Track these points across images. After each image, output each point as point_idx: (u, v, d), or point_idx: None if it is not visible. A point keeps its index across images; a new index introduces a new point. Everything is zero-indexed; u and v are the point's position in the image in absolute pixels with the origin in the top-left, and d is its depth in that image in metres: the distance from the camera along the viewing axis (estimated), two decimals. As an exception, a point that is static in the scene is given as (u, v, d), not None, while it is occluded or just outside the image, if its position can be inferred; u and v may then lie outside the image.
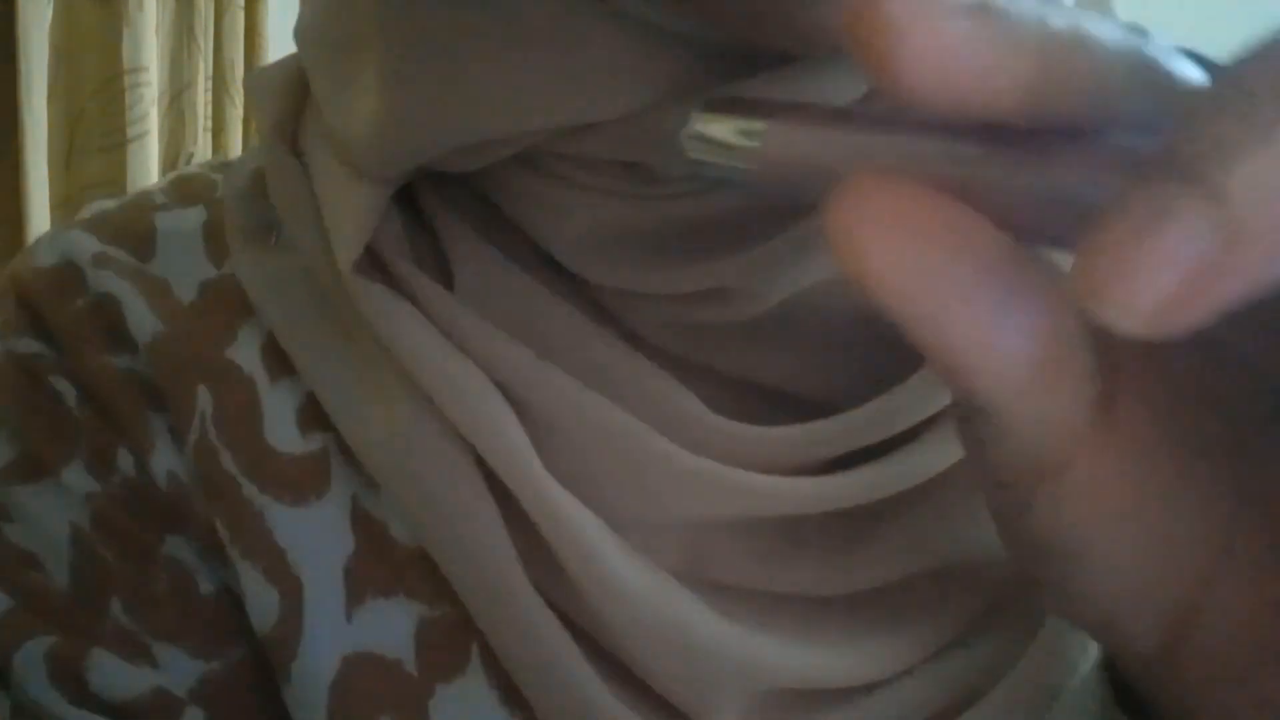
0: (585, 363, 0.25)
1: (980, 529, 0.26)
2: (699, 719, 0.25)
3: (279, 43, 1.37)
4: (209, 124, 1.23)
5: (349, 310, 0.26)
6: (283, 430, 0.27)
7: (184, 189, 0.31)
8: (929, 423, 0.26)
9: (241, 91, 1.27)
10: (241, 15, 1.26)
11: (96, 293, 0.28)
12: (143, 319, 0.28)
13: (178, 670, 0.26)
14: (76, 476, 0.27)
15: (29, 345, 0.28)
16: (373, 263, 0.26)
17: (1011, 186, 0.14)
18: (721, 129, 0.16)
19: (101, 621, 0.26)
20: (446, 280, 0.27)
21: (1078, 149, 0.13)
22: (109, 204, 0.31)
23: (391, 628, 0.26)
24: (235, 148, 1.27)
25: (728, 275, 0.24)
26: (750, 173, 0.16)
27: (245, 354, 0.28)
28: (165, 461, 0.27)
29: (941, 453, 0.25)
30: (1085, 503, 0.15)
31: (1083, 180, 0.13)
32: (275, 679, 0.26)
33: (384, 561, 0.26)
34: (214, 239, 0.30)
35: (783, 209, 0.24)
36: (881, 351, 0.25)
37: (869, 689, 0.26)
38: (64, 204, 1.08)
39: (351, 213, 0.25)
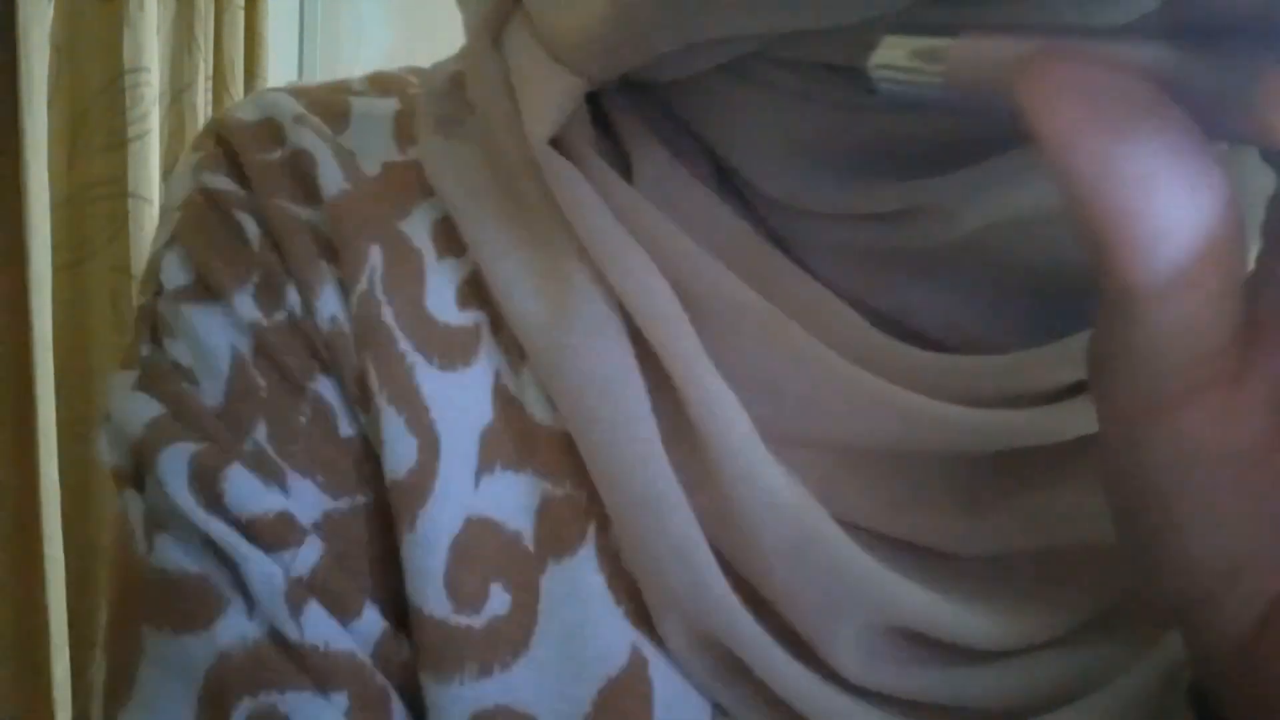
0: (754, 273, 0.25)
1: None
2: (815, 643, 0.24)
3: (279, 43, 1.37)
4: (209, 124, 1.24)
5: (532, 192, 0.27)
6: (441, 302, 0.28)
7: (381, 82, 0.33)
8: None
9: (242, 91, 1.27)
10: (241, 15, 1.26)
11: (294, 146, 0.29)
12: (333, 176, 0.29)
13: (305, 501, 0.27)
14: (245, 304, 0.27)
15: (223, 183, 0.29)
16: (559, 152, 0.26)
17: (1193, 85, 0.14)
18: (905, 53, 0.16)
19: (243, 441, 0.27)
20: (628, 178, 0.27)
21: (1258, 51, 0.14)
22: (308, 84, 0.32)
23: (516, 500, 0.26)
24: (235, 148, 1.28)
25: (929, 194, 0.23)
26: (940, 91, 0.16)
27: (417, 229, 0.28)
28: (330, 306, 0.27)
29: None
30: (1207, 440, 0.16)
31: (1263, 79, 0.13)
32: (395, 531, 0.26)
33: (518, 436, 0.27)
34: (403, 126, 0.31)
35: (986, 137, 0.23)
36: (1050, 307, 0.25)
37: (990, 656, 0.25)
38: (65, 203, 1.08)
39: (548, 96, 0.26)
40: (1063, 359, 0.24)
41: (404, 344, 0.27)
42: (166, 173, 1.18)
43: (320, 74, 1.52)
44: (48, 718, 1.05)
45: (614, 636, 0.25)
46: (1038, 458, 0.25)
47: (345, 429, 0.27)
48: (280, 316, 0.28)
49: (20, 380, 1.01)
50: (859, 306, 0.25)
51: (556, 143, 0.26)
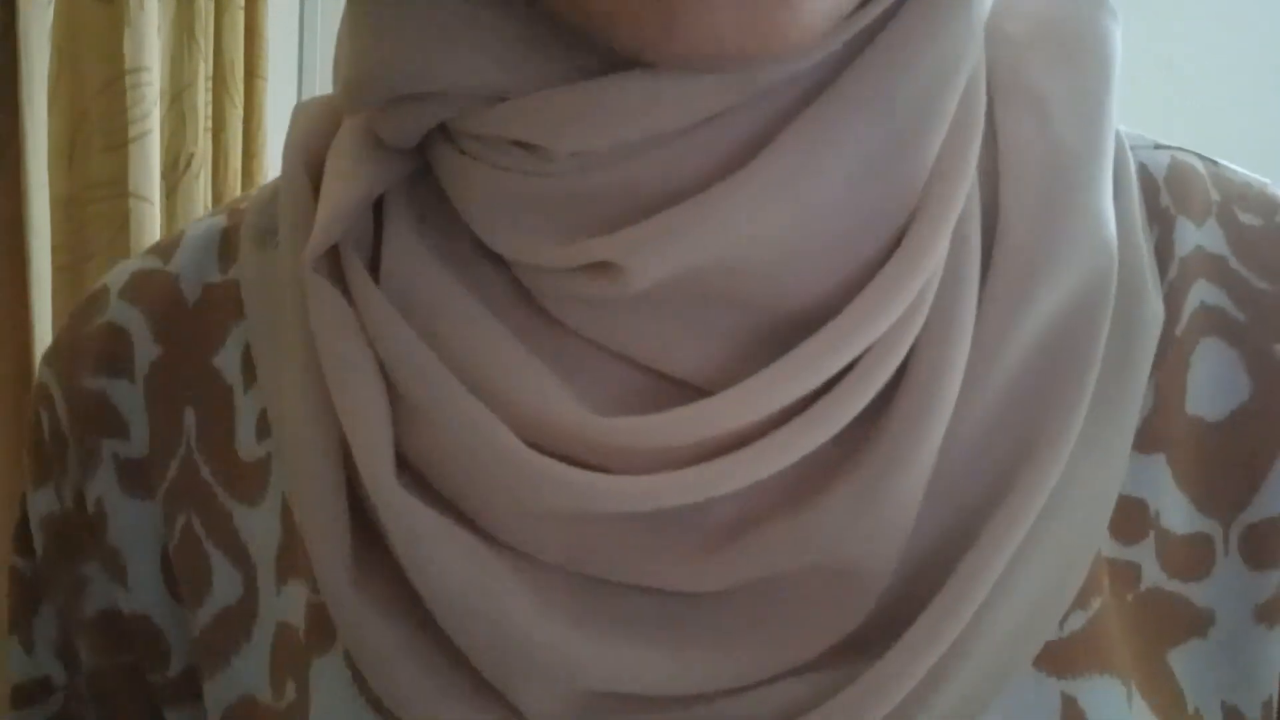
0: (476, 347, 0.28)
1: (868, 533, 0.26)
2: (516, 703, 0.27)
3: (279, 43, 1.37)
4: (209, 124, 1.24)
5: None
6: (246, 438, 0.33)
7: (228, 204, 0.37)
8: (795, 409, 0.26)
9: (241, 91, 1.27)
10: (241, 15, 1.26)
11: (109, 319, 0.34)
12: (144, 350, 0.34)
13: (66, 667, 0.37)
14: (44, 498, 0.36)
15: (43, 372, 0.35)
16: (334, 258, 0.30)
17: None
18: None
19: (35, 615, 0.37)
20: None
21: None
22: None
23: (297, 604, 0.31)
24: (235, 148, 1.27)
25: (608, 249, 0.26)
26: None
27: (229, 361, 0.33)
28: (95, 490, 0.34)
29: (804, 440, 0.26)
30: None
31: None
32: (224, 648, 0.32)
33: (294, 551, 0.31)
34: (228, 242, 0.35)
35: (659, 193, 0.26)
36: (757, 342, 0.27)
37: (694, 700, 0.27)
38: (65, 204, 1.08)
39: (325, 217, 0.29)
40: (761, 394, 0.26)
41: (222, 495, 0.32)
42: (167, 173, 1.19)
43: (320, 74, 1.52)
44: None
45: (358, 717, 0.29)
46: (764, 492, 0.27)
47: (99, 605, 0.35)
48: (64, 507, 0.35)
49: (21, 380, 1.01)
50: (607, 352, 0.28)
51: (335, 250, 0.30)
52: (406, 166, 0.31)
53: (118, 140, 1.09)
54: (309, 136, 0.33)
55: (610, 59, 0.26)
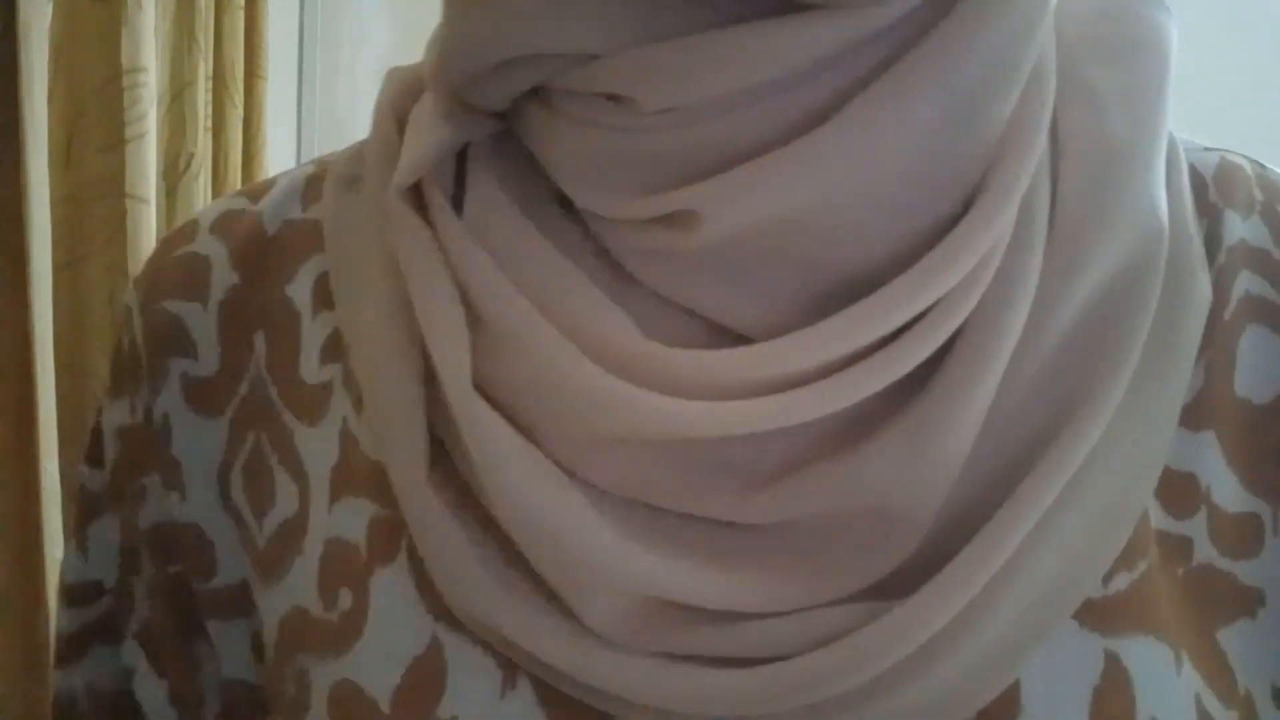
0: (551, 284, 0.30)
1: (915, 479, 0.27)
2: (576, 610, 0.28)
3: (279, 43, 1.37)
4: (209, 124, 1.24)
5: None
6: (309, 363, 0.35)
7: (320, 158, 0.40)
8: (857, 358, 0.28)
9: (241, 91, 1.27)
10: (241, 15, 1.26)
11: (194, 250, 0.37)
12: (221, 278, 0.36)
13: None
14: (119, 409, 0.38)
15: (130, 295, 0.38)
16: (416, 200, 0.32)
17: None
18: None
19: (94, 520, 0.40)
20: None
21: None
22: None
23: (354, 520, 0.33)
24: (235, 148, 1.27)
25: (689, 199, 0.28)
26: None
27: (300, 289, 0.36)
28: (162, 406, 0.36)
29: (869, 382, 0.27)
30: None
31: None
32: (284, 556, 0.34)
33: (354, 470, 0.33)
34: (312, 187, 0.38)
35: (742, 149, 0.28)
36: (817, 300, 0.29)
37: (740, 617, 0.28)
38: (64, 203, 1.08)
39: (412, 155, 0.32)
40: (825, 340, 0.27)
41: (284, 413, 0.35)
42: (167, 172, 1.19)
43: (320, 74, 1.52)
44: (48, 714, 1.05)
45: (417, 625, 0.31)
46: (822, 425, 0.28)
47: (154, 518, 0.37)
48: (135, 420, 0.37)
49: (21, 380, 1.01)
50: (671, 304, 0.30)
51: (419, 188, 0.32)
52: (489, 127, 0.33)
53: (114, 140, 1.09)
54: (398, 97, 0.35)
55: (706, 17, 0.27)
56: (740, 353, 0.28)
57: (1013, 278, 0.28)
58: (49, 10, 1.02)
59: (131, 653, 0.39)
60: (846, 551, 0.28)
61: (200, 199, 1.21)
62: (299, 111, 1.56)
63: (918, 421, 0.27)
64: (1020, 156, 0.28)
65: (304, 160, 1.42)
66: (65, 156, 1.08)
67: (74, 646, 0.40)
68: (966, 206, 0.28)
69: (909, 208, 0.28)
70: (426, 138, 0.32)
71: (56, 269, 1.05)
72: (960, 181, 0.28)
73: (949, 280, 0.27)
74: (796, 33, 0.26)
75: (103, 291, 1.10)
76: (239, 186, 1.28)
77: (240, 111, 1.27)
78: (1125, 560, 0.29)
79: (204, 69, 1.21)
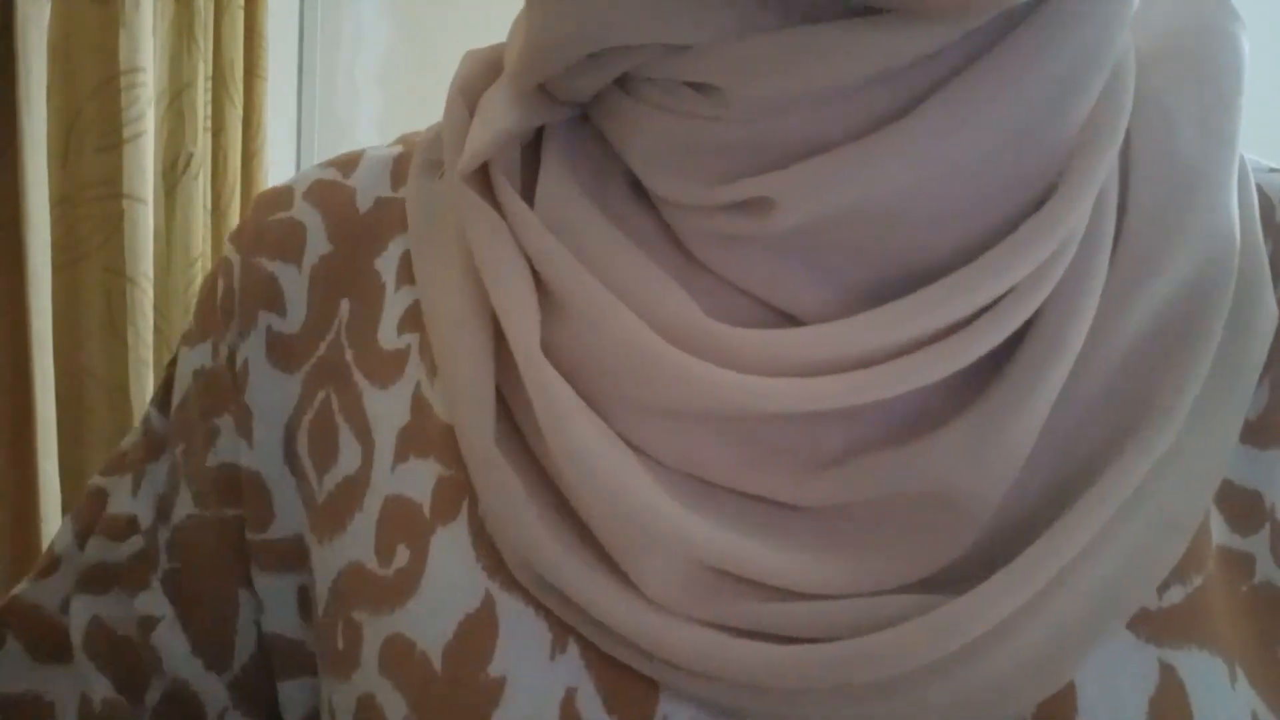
0: (619, 265, 0.31)
1: (979, 467, 0.27)
2: (631, 574, 0.29)
3: (279, 43, 1.37)
4: (209, 124, 1.23)
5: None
6: (389, 330, 0.36)
7: (405, 137, 0.41)
8: (922, 343, 0.28)
9: (241, 91, 1.27)
10: (241, 15, 1.26)
11: (292, 215, 0.39)
12: (315, 244, 0.38)
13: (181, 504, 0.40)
14: (200, 352, 0.39)
15: (227, 247, 0.40)
16: (485, 182, 0.33)
17: None
18: None
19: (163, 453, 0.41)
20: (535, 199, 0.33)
21: None
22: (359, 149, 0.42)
23: (420, 481, 0.34)
24: (235, 147, 1.27)
25: (767, 186, 0.28)
26: None
27: (388, 262, 0.37)
28: (242, 354, 0.38)
29: (937, 367, 0.28)
30: None
31: None
32: (343, 512, 0.35)
33: (424, 432, 0.34)
34: (400, 167, 0.40)
35: (821, 141, 0.28)
36: (882, 293, 0.29)
37: (792, 595, 0.28)
38: (61, 203, 1.08)
39: (477, 141, 0.33)
40: (890, 322, 0.28)
41: (357, 375, 0.36)
42: (166, 172, 1.18)
43: (320, 74, 1.52)
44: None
45: (472, 583, 0.31)
46: (886, 412, 0.29)
47: (220, 457, 0.38)
48: (216, 363, 0.39)
49: (19, 380, 1.01)
50: (735, 289, 0.31)
51: (488, 171, 0.33)
52: (565, 112, 0.34)
53: (112, 141, 1.08)
54: (472, 80, 0.36)
55: (795, 12, 0.28)
56: (805, 332, 0.28)
57: (1085, 273, 0.29)
58: (47, 10, 1.02)
59: (154, 601, 0.39)
60: (903, 540, 0.28)
61: (199, 199, 1.21)
62: (299, 111, 1.56)
63: (985, 410, 0.28)
64: (1098, 153, 0.28)
65: (303, 161, 1.41)
66: (63, 156, 1.08)
67: (95, 577, 0.40)
68: (1039, 205, 0.28)
69: (982, 204, 0.28)
70: (492, 124, 0.33)
71: (54, 269, 1.05)
72: (1035, 178, 0.28)
73: (1021, 269, 0.28)
74: (885, 35, 0.27)
75: (100, 292, 1.10)
76: (238, 186, 1.28)
77: (240, 111, 1.27)
78: (1181, 573, 0.29)
79: (203, 69, 1.21)
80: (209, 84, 1.23)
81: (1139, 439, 0.28)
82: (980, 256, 0.28)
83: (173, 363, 0.41)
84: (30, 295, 1.00)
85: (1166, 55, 0.32)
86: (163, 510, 0.40)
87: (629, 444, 0.30)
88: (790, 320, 0.30)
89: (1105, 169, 0.29)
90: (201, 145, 1.21)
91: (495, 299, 0.31)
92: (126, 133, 1.09)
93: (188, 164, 1.19)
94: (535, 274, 0.32)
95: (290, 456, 0.37)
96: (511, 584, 0.31)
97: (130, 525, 0.40)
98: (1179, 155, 0.30)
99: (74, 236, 1.09)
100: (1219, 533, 0.31)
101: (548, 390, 0.30)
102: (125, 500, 0.40)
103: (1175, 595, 0.29)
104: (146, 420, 0.42)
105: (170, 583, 0.39)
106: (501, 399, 0.32)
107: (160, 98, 1.17)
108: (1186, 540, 0.29)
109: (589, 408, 0.30)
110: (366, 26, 1.58)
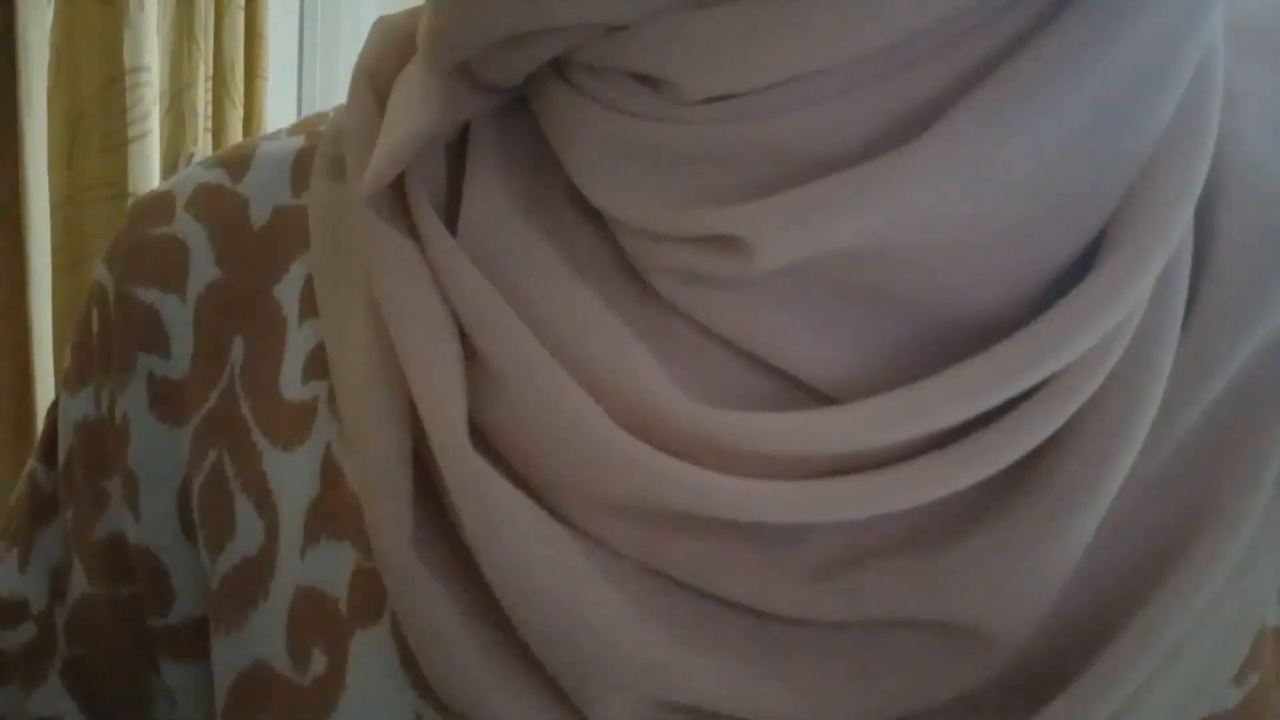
0: (566, 315, 0.24)
1: (1006, 596, 0.22)
2: (582, 709, 0.24)
3: (279, 43, 1.37)
4: (209, 124, 1.23)
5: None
6: (292, 377, 0.29)
7: (303, 123, 0.33)
8: (945, 437, 0.22)
9: (242, 91, 1.27)
10: (241, 15, 1.26)
11: (173, 232, 0.31)
12: (202, 268, 0.31)
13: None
14: (80, 400, 0.33)
15: (100, 270, 0.33)
16: (398, 195, 0.27)
17: None
18: None
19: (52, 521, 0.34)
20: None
21: None
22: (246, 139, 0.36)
23: (335, 568, 0.28)
24: (235, 148, 1.27)
25: (733, 222, 0.22)
26: None
27: (289, 291, 0.30)
28: (120, 407, 0.31)
29: (958, 475, 0.22)
30: None
31: None
32: (242, 604, 0.29)
33: (337, 507, 0.28)
34: (302, 166, 0.32)
35: (811, 157, 0.22)
36: (903, 352, 0.23)
37: None
38: (64, 204, 1.08)
39: (389, 145, 0.25)
40: (914, 408, 0.22)
41: (255, 433, 0.29)
42: (167, 172, 1.18)
43: (320, 73, 1.52)
44: None
45: (401, 702, 0.26)
46: (884, 526, 0.23)
47: (109, 526, 0.32)
48: (98, 414, 0.32)
49: (20, 381, 1.01)
50: (716, 339, 0.24)
51: (401, 183, 0.26)
52: (492, 99, 0.27)
53: (116, 141, 1.08)
54: (382, 58, 0.29)
55: None
56: (806, 419, 0.22)
57: (1149, 350, 0.22)
58: (49, 11, 1.02)
59: (52, 698, 0.33)
60: (917, 665, 0.23)
61: (200, 199, 1.21)
62: (299, 111, 1.56)
63: (1016, 530, 0.22)
64: (1181, 175, 0.22)
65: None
66: (67, 157, 1.08)
67: None
68: (1096, 245, 0.22)
69: (1027, 242, 0.22)
70: (405, 120, 0.26)
71: (57, 270, 1.05)
72: (1092, 211, 0.22)
73: (1080, 343, 0.21)
74: (884, 2, 0.20)
75: (103, 292, 1.10)
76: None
77: (240, 111, 1.27)
78: (1238, 675, 0.24)
79: (204, 69, 1.21)
80: (209, 84, 1.23)
81: (1206, 544, 0.22)
82: (1032, 315, 0.22)
83: (54, 408, 0.34)
84: (31, 296, 1.00)
85: (1234, 33, 0.25)
86: (58, 588, 0.33)
87: (580, 530, 0.24)
88: (793, 383, 0.24)
89: (1192, 199, 0.22)
90: (202, 145, 1.21)
91: (408, 370, 0.25)
92: (131, 132, 1.09)
93: (188, 164, 1.19)
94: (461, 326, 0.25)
95: (188, 526, 0.31)
96: (440, 708, 0.26)
97: (19, 610, 0.34)
98: (1269, 172, 0.24)
99: (78, 237, 1.09)
100: (1272, 614, 0.25)
101: (479, 489, 0.23)
102: (12, 579, 0.34)
103: (1231, 699, 0.24)
104: (32, 476, 0.35)
105: (72, 673, 0.33)
106: (427, 477, 0.25)
107: (161, 98, 1.17)
108: (1249, 643, 0.24)
109: (529, 499, 0.24)
110: (366, 27, 1.57)
